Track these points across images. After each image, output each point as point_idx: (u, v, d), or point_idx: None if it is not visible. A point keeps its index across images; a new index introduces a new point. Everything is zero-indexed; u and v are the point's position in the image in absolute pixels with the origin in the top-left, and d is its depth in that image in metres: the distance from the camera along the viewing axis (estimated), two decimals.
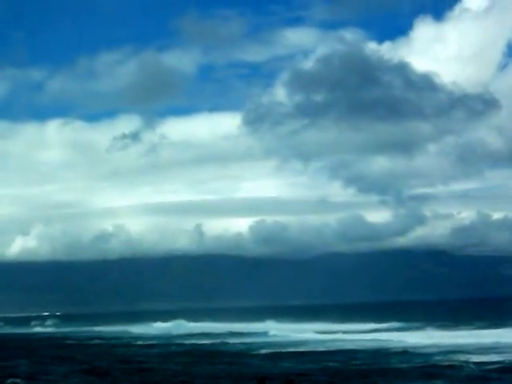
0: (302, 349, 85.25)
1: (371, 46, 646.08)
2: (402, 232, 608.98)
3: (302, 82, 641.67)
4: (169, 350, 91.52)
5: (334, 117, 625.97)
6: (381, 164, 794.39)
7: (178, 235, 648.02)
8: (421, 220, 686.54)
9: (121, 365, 70.00)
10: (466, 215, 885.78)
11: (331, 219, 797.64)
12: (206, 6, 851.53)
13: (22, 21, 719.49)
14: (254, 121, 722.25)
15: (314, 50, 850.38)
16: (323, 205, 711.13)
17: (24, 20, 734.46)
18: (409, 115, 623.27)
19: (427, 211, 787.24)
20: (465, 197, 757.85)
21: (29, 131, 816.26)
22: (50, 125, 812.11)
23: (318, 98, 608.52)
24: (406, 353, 75.08)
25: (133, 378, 57.86)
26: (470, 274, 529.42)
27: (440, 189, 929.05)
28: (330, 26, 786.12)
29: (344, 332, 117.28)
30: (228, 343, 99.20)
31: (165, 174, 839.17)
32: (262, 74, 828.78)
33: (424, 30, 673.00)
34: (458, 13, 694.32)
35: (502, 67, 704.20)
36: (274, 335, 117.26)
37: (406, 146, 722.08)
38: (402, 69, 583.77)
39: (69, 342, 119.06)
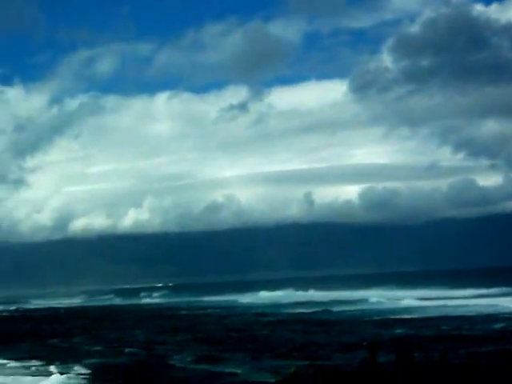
0: (406, 316, 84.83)
1: (478, 8, 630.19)
2: None
3: (408, 47, 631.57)
4: (279, 318, 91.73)
5: (441, 81, 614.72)
6: (490, 128, 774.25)
7: (287, 204, 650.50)
8: None
9: (234, 333, 70.33)
10: None
11: (441, 185, 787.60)
12: None
13: None
14: (361, 88, 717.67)
15: (419, 14, 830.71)
16: (433, 170, 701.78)
17: None
18: None
19: None
20: None
21: (138, 104, 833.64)
22: (158, 98, 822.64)
23: (425, 62, 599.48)
24: None
25: (248, 346, 58.11)
26: None
27: None
28: None
29: (449, 298, 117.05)
30: (332, 311, 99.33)
31: (273, 144, 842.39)
32: (367, 41, 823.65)
33: None
34: None
35: None
36: (378, 302, 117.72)
37: None
38: (511, 30, 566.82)
39: (180, 312, 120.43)
